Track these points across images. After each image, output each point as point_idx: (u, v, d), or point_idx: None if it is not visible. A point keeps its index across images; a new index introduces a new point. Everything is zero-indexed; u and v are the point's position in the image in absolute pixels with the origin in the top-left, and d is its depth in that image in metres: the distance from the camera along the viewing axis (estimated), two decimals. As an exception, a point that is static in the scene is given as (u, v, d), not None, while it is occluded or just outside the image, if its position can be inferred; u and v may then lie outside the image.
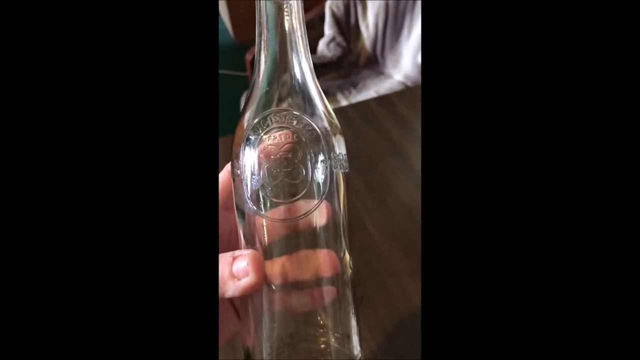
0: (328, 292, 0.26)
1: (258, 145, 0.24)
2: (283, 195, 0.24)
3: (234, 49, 2.23)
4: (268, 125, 0.24)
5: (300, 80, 0.25)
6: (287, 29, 0.25)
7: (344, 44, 1.39)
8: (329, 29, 1.39)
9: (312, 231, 0.25)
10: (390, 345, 0.43)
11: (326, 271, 0.26)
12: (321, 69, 1.36)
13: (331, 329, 0.27)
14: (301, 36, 0.25)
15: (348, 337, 0.27)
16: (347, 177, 0.26)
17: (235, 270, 0.24)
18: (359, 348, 0.27)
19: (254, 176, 0.24)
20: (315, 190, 0.25)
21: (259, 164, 0.24)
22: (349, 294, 0.27)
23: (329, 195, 0.25)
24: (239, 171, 0.25)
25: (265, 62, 0.25)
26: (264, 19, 0.25)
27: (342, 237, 0.26)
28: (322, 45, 1.40)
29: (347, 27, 1.38)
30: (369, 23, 1.32)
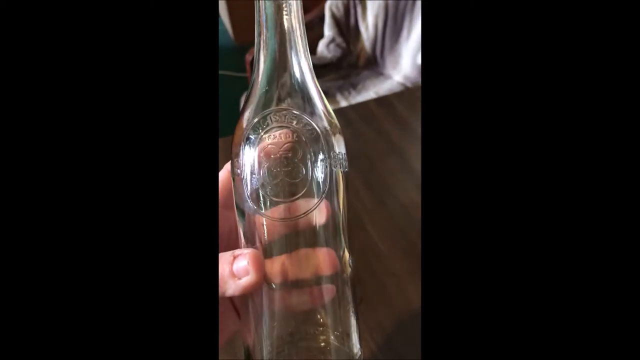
0: (328, 291, 0.26)
1: (258, 145, 0.24)
2: (283, 194, 0.24)
3: (234, 50, 2.23)
4: (268, 125, 0.24)
5: (299, 80, 0.25)
6: (286, 28, 0.25)
7: (343, 45, 1.39)
8: (328, 30, 1.39)
9: (312, 230, 0.26)
10: (390, 345, 0.44)
11: (326, 270, 0.26)
12: (321, 69, 1.36)
13: (331, 327, 0.27)
14: (300, 36, 0.25)
15: (348, 335, 0.27)
16: (346, 176, 0.26)
17: (236, 270, 0.24)
18: (358, 346, 0.28)
19: (254, 175, 0.24)
20: (315, 190, 0.25)
21: (259, 163, 0.24)
22: (348, 292, 0.27)
23: (329, 194, 0.25)
24: (239, 170, 0.25)
25: (265, 61, 0.25)
26: (263, 18, 0.25)
27: (342, 236, 0.27)
28: (321, 46, 1.40)
29: (347, 28, 1.38)
30: (369, 24, 1.32)
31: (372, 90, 1.27)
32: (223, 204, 0.27)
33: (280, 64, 0.25)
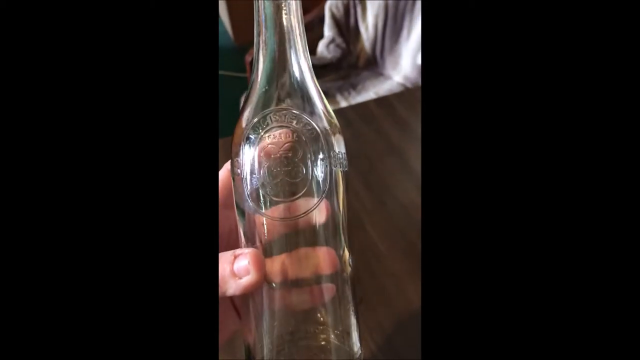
0: (328, 290, 0.26)
1: (258, 144, 0.24)
2: (283, 193, 0.25)
3: (233, 50, 2.23)
4: (268, 125, 0.24)
5: (299, 80, 0.25)
6: (285, 28, 0.25)
7: (343, 45, 1.39)
8: (328, 30, 1.39)
9: (312, 229, 0.26)
10: (390, 345, 0.44)
11: (326, 269, 0.26)
12: (321, 70, 1.36)
13: (331, 326, 0.27)
14: (300, 35, 0.25)
15: (348, 334, 0.27)
16: (346, 175, 0.26)
17: (237, 269, 0.24)
18: (358, 345, 0.28)
19: (254, 175, 0.24)
20: (315, 189, 0.25)
21: (259, 163, 0.24)
22: (348, 291, 0.27)
23: (329, 193, 0.25)
24: (238, 170, 0.25)
25: (264, 61, 0.25)
26: (262, 18, 0.25)
27: (342, 235, 0.27)
28: (321, 46, 1.40)
29: (347, 28, 1.38)
30: (369, 24, 1.32)
31: (372, 91, 1.27)
32: (223, 203, 0.27)
33: (280, 63, 0.25)
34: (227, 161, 0.27)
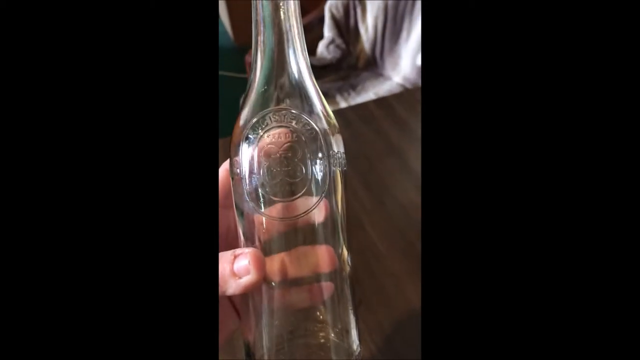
0: (327, 288, 0.26)
1: (257, 144, 0.24)
2: (282, 193, 0.25)
3: (233, 50, 2.23)
4: (267, 125, 0.24)
5: (298, 80, 0.25)
6: (284, 27, 0.25)
7: (343, 46, 1.39)
8: (328, 31, 1.39)
9: (311, 228, 0.26)
10: (389, 346, 0.44)
11: (324, 267, 0.26)
12: (320, 70, 1.36)
13: (330, 324, 0.27)
14: (298, 35, 0.25)
15: (347, 332, 0.27)
16: (345, 175, 0.26)
17: (237, 269, 0.24)
18: (357, 342, 0.28)
19: (253, 175, 0.25)
20: (315, 189, 0.25)
21: (259, 163, 0.24)
22: (347, 290, 0.27)
23: (328, 193, 0.25)
24: (238, 170, 0.25)
25: (263, 61, 0.25)
26: (260, 17, 0.25)
27: (341, 235, 0.27)
28: (321, 47, 1.40)
29: (347, 29, 1.38)
30: (368, 25, 1.32)
31: (371, 91, 1.27)
32: (221, 202, 0.27)
33: (279, 63, 0.25)
34: (226, 161, 0.27)
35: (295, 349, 0.27)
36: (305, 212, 0.25)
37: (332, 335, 0.27)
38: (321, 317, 0.27)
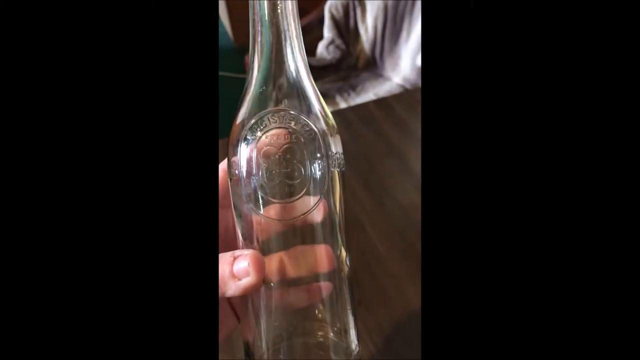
0: (325, 288, 0.26)
1: (256, 146, 0.24)
2: (281, 195, 0.25)
3: (233, 51, 2.23)
4: (266, 126, 0.24)
5: (296, 79, 0.25)
6: (281, 27, 0.25)
7: (343, 46, 1.39)
8: (328, 32, 1.39)
9: (309, 229, 0.26)
10: (389, 346, 0.44)
11: (323, 266, 0.26)
12: (320, 71, 1.36)
13: (329, 323, 0.27)
14: (296, 35, 0.25)
15: (345, 332, 0.27)
16: (343, 175, 0.26)
17: (236, 271, 0.24)
18: (356, 342, 0.28)
19: (252, 177, 0.24)
20: (313, 190, 0.25)
21: (258, 165, 0.24)
22: (346, 290, 0.27)
23: (326, 193, 0.25)
24: (236, 171, 0.25)
25: (260, 61, 0.25)
26: (258, 16, 0.25)
27: (339, 235, 0.27)
28: (321, 47, 1.41)
29: (346, 29, 1.38)
30: (368, 26, 1.33)
31: (371, 92, 1.27)
32: (219, 202, 0.27)
33: (276, 63, 0.25)
34: (224, 160, 0.27)
35: (294, 348, 0.27)
36: (304, 213, 0.25)
37: (331, 334, 0.27)
38: (320, 316, 0.27)
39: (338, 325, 0.27)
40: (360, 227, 0.55)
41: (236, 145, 0.25)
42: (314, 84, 0.26)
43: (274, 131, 0.24)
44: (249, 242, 0.26)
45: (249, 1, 0.25)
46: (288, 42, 0.25)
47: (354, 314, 0.28)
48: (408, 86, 1.25)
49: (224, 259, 0.24)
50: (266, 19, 0.24)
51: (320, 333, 0.27)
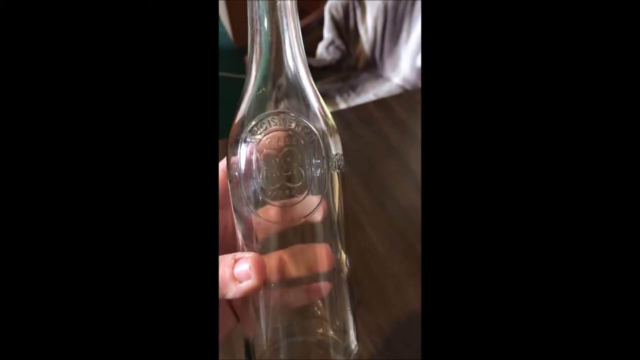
0: (325, 287, 0.26)
1: (256, 148, 0.24)
2: (282, 198, 0.24)
3: (233, 51, 2.23)
4: (266, 128, 0.24)
5: (295, 79, 0.25)
6: (281, 27, 0.24)
7: (343, 47, 1.39)
8: (328, 32, 1.39)
9: (309, 230, 0.26)
10: (389, 347, 0.44)
11: (322, 265, 0.26)
12: (320, 72, 1.36)
13: (329, 323, 0.27)
14: (296, 35, 0.25)
15: (345, 332, 0.27)
16: (343, 176, 0.26)
17: (237, 273, 0.24)
18: (355, 342, 0.28)
19: (252, 179, 0.24)
20: (314, 192, 0.25)
21: (258, 168, 0.24)
22: (345, 291, 0.27)
23: (327, 195, 0.25)
24: (236, 173, 0.25)
25: (259, 61, 0.25)
26: (256, 16, 0.24)
27: (339, 236, 0.27)
28: (321, 48, 1.41)
29: (346, 30, 1.38)
30: (368, 26, 1.33)
31: (371, 93, 1.27)
32: (219, 202, 0.27)
33: (276, 63, 0.25)
34: (223, 160, 0.27)
35: (293, 347, 0.27)
36: (304, 216, 0.25)
37: (331, 333, 0.27)
38: (319, 315, 0.27)
39: (337, 325, 0.27)
40: (360, 228, 0.55)
41: (236, 146, 0.25)
42: (314, 85, 0.26)
43: (274, 134, 0.24)
44: (249, 243, 0.26)
45: (248, 1, 0.24)
46: (288, 41, 0.25)
47: (354, 315, 0.28)
48: (408, 87, 1.25)
49: (225, 261, 0.24)
50: (265, 18, 0.24)
51: (319, 331, 0.27)
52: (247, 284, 0.24)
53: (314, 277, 0.26)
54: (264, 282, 0.24)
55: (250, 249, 0.26)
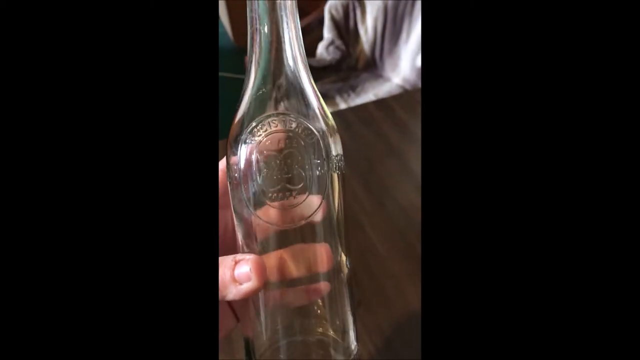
0: (325, 287, 0.26)
1: (257, 150, 0.24)
2: (282, 200, 0.24)
3: (233, 51, 2.23)
4: (266, 130, 0.24)
5: (295, 79, 0.25)
6: (281, 27, 0.24)
7: (343, 47, 1.39)
8: (328, 32, 1.39)
9: (309, 231, 0.26)
10: (389, 347, 0.44)
11: (322, 264, 0.26)
12: (320, 72, 1.36)
13: (329, 323, 0.27)
14: (296, 35, 0.25)
15: (345, 332, 0.27)
16: (343, 177, 0.26)
17: (237, 275, 0.24)
18: (355, 343, 0.28)
19: (252, 182, 0.24)
20: (314, 194, 0.25)
21: (259, 170, 0.24)
22: (345, 292, 0.27)
23: (327, 197, 0.25)
24: (236, 175, 0.25)
25: (259, 61, 0.25)
26: (256, 15, 0.24)
27: (339, 238, 0.27)
28: (321, 48, 1.41)
29: (346, 30, 1.38)
30: (368, 26, 1.33)
31: (371, 93, 1.27)
32: (219, 202, 0.27)
33: (276, 63, 0.25)
34: (223, 159, 0.27)
35: (293, 347, 0.27)
36: (304, 218, 0.25)
37: (331, 332, 0.27)
38: (319, 315, 0.27)
39: (337, 325, 0.27)
40: (360, 228, 0.55)
41: (235, 147, 0.25)
42: (314, 85, 0.26)
43: (274, 135, 0.24)
44: (249, 243, 0.26)
45: (247, 0, 0.24)
46: (288, 41, 0.24)
47: (354, 315, 0.28)
48: (408, 87, 1.25)
49: (225, 262, 0.24)
50: (265, 17, 0.24)
51: (319, 330, 0.27)
52: (248, 286, 0.24)
53: (314, 276, 0.26)
54: (263, 284, 0.24)
55: (250, 249, 0.26)
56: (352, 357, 0.28)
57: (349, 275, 0.27)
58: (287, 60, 0.25)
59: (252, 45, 0.25)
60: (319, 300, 0.27)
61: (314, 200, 0.25)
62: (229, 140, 0.25)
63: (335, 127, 0.26)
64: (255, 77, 0.25)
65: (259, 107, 0.25)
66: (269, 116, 0.24)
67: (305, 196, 0.24)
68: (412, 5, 1.21)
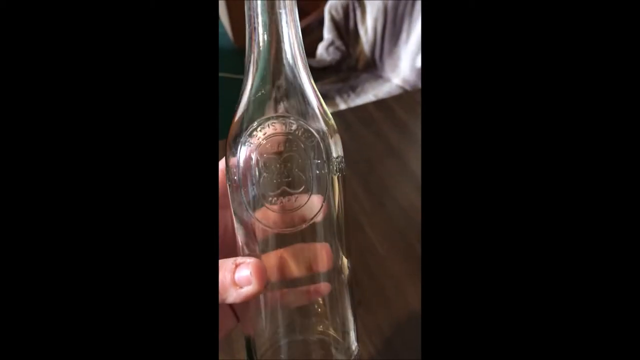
0: (325, 288, 0.26)
1: (256, 152, 0.24)
2: (282, 203, 0.24)
3: (233, 52, 2.23)
4: (266, 133, 0.24)
5: (295, 80, 0.25)
6: (280, 25, 0.24)
7: (343, 47, 1.39)
8: (328, 33, 1.39)
9: (310, 232, 0.25)
10: (389, 347, 0.44)
11: (322, 264, 0.26)
12: (320, 72, 1.37)
13: (329, 322, 0.27)
14: (295, 34, 0.24)
15: (345, 333, 0.27)
16: (344, 179, 0.26)
17: (238, 278, 0.24)
18: (356, 344, 0.28)
19: (252, 185, 0.24)
20: (315, 198, 0.24)
21: (258, 172, 0.24)
22: (345, 293, 0.27)
23: (327, 198, 0.25)
24: (235, 177, 0.24)
25: (258, 61, 0.24)
26: (254, 14, 0.24)
27: (340, 240, 0.27)
28: (321, 49, 1.41)
29: (346, 31, 1.38)
30: (368, 27, 1.33)
31: (371, 93, 1.27)
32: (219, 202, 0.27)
33: (275, 64, 0.24)
34: (222, 159, 0.27)
35: (294, 346, 0.27)
36: (305, 221, 0.24)
37: (332, 331, 0.27)
38: (320, 314, 0.27)
39: (338, 324, 0.27)
40: (360, 228, 0.55)
41: (235, 148, 0.24)
42: (314, 85, 0.25)
43: (274, 138, 0.24)
44: (249, 245, 0.26)
45: (245, 0, 0.24)
46: (287, 41, 0.24)
47: (354, 316, 0.28)
48: (407, 87, 1.25)
49: (226, 265, 0.24)
50: (264, 17, 0.23)
51: (320, 329, 0.27)
52: (248, 289, 0.24)
53: (314, 276, 0.26)
54: (264, 287, 0.24)
55: (250, 251, 0.26)
56: (352, 357, 0.28)
57: (350, 276, 0.27)
58: (287, 59, 0.24)
59: (250, 45, 0.24)
60: (320, 300, 0.27)
61: (315, 203, 0.24)
62: (228, 140, 0.25)
63: (336, 127, 0.26)
64: (253, 77, 0.24)
65: (258, 108, 0.24)
66: (269, 119, 0.24)
67: (305, 200, 0.24)
68: (412, 6, 1.21)
